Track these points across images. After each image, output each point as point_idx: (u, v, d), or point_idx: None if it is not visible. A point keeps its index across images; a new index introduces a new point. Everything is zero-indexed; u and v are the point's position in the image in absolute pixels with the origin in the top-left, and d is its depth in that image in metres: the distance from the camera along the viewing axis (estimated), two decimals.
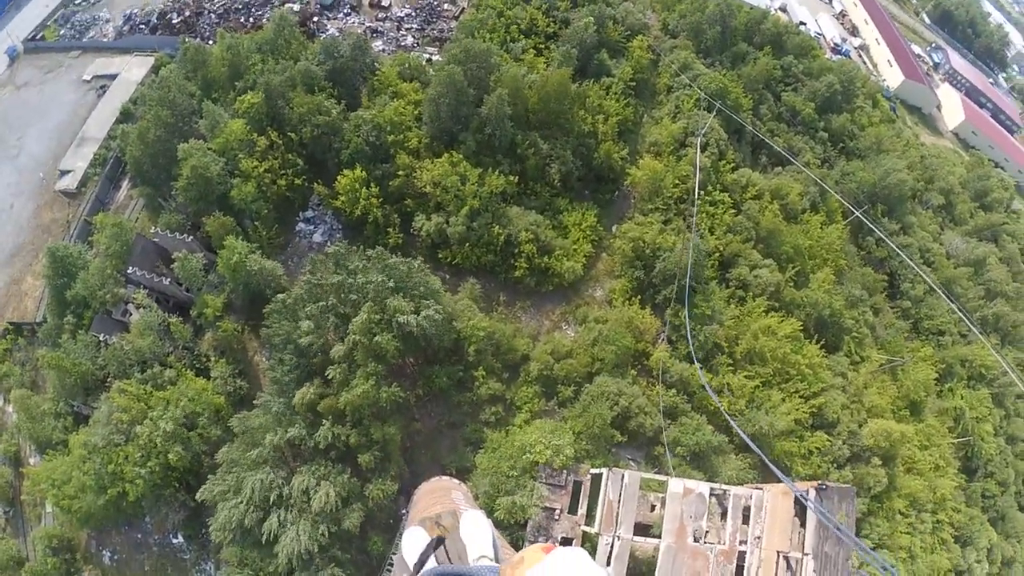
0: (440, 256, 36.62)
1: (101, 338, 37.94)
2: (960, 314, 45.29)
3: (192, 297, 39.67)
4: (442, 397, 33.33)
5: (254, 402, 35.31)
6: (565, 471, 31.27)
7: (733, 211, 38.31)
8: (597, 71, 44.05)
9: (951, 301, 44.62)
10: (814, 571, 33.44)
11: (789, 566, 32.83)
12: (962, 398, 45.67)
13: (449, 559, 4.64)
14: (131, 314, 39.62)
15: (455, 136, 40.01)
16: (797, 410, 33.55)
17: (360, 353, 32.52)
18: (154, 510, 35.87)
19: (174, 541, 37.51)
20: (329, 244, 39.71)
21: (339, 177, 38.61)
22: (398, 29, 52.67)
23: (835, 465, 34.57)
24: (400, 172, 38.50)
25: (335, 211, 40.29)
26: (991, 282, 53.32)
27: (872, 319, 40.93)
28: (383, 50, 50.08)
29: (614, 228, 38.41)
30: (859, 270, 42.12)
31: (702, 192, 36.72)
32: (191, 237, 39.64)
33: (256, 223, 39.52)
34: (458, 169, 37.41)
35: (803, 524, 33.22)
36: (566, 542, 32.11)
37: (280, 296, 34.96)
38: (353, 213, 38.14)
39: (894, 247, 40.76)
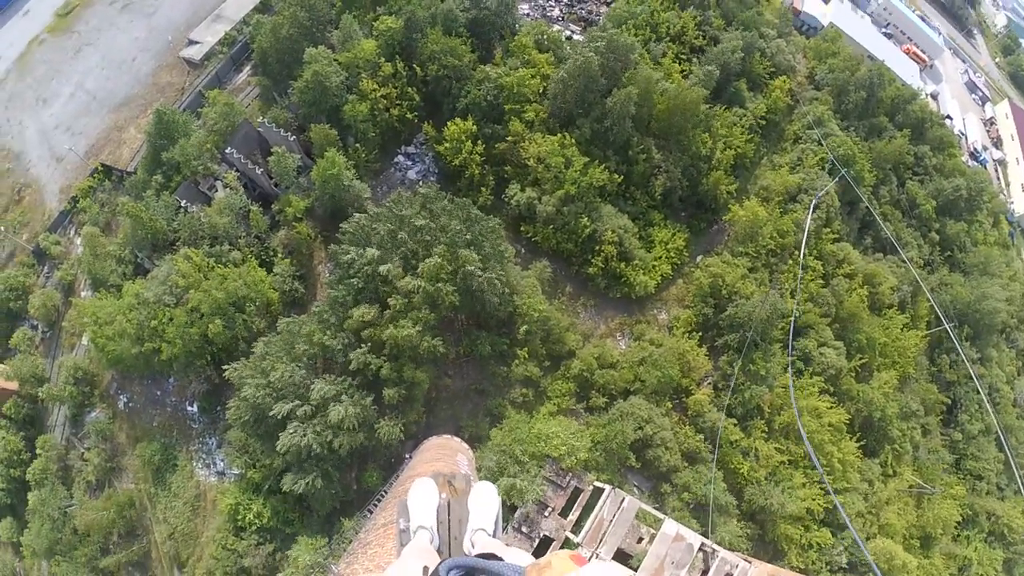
0: (522, 230, 36.47)
1: (183, 203, 39.36)
2: (1009, 463, 43.11)
3: (278, 192, 40.77)
4: (479, 363, 33.53)
5: (313, 309, 36.02)
6: (571, 474, 31.29)
7: (821, 282, 36.86)
8: (731, 98, 42.53)
9: (1006, 448, 42.42)
10: None
11: None
12: (976, 550, 43.63)
13: (449, 520, 4.65)
14: (217, 190, 40.85)
15: (572, 118, 39.42)
16: (813, 500, 32.63)
17: (420, 297, 32.72)
18: (181, 374, 37.51)
19: (188, 408, 39.12)
20: (421, 184, 39.98)
21: (449, 123, 38.68)
22: (540, 6, 51.67)
23: (829, 568, 33.64)
24: (509, 138, 38.25)
25: (436, 155, 40.44)
26: None
27: (919, 438, 39.20)
28: (528, 15, 49.35)
29: (699, 258, 37.50)
30: (924, 384, 40.24)
31: (798, 252, 35.38)
32: (294, 137, 40.53)
33: (359, 143, 40.14)
34: (566, 152, 36.94)
35: None
36: (547, 541, 32.44)
37: (358, 216, 35.40)
38: (452, 162, 38.21)
39: (971, 372, 38.72)
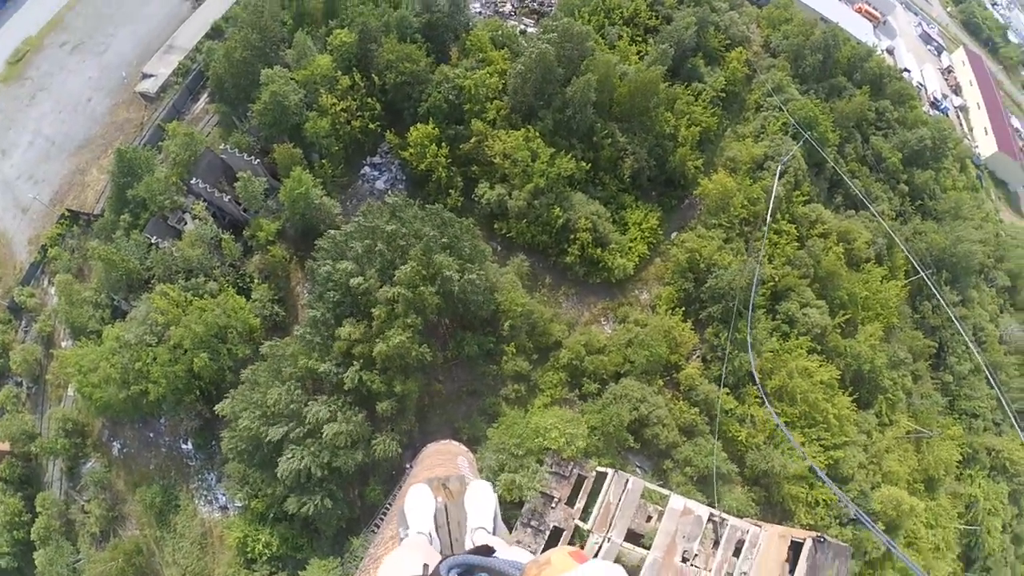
0: (495, 227, 36.54)
1: (153, 240, 39.07)
2: (1001, 401, 43.80)
3: (248, 218, 40.54)
4: (468, 364, 33.53)
5: (294, 331, 35.90)
6: (572, 463, 31.36)
7: (796, 244, 37.29)
8: (689, 75, 42.87)
9: (995, 385, 43.10)
10: None
11: None
12: (980, 487, 44.35)
13: (448, 524, 4.68)
14: (186, 223, 40.65)
15: (534, 111, 39.54)
16: (814, 457, 32.95)
17: (402, 305, 32.74)
18: (171, 413, 37.33)
19: (183, 447, 38.75)
20: (390, 193, 39.89)
21: (412, 129, 38.64)
22: None
23: (838, 522, 34.04)
24: (473, 138, 38.33)
25: (402, 162, 40.40)
26: None
27: (910, 385, 39.77)
28: (480, 13, 49.43)
29: (673, 235, 37.77)
30: (909, 333, 40.84)
31: (770, 218, 35.74)
32: (258, 160, 40.34)
33: (324, 159, 40.08)
34: (531, 145, 37.09)
35: (792, 571, 32.94)
36: (557, 532, 32.48)
37: (331, 232, 35.32)
38: (419, 167, 38.25)
39: (952, 316, 39.34)
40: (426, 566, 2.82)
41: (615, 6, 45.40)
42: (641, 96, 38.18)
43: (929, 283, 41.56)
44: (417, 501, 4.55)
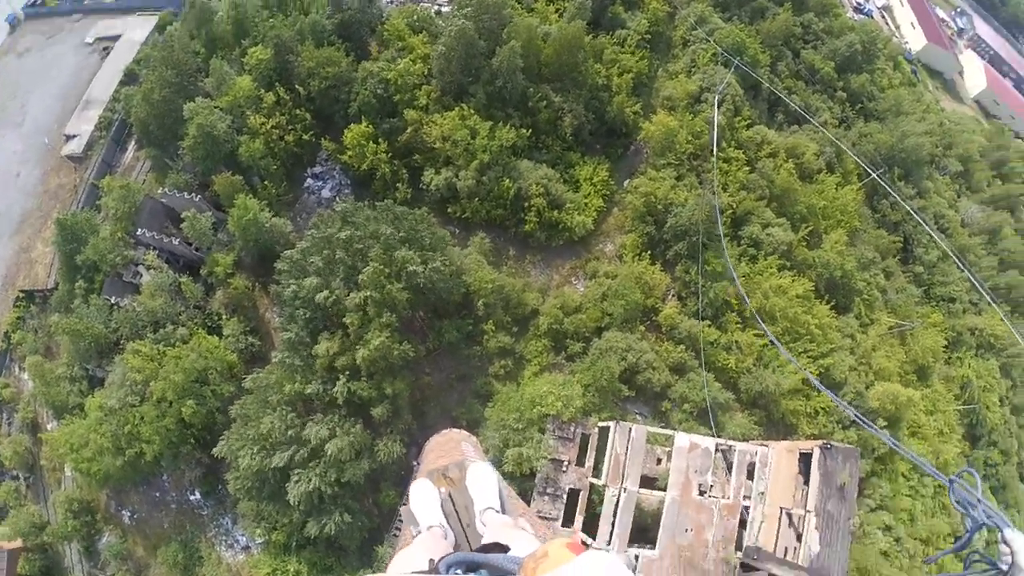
0: (449, 211, 36.24)
1: (113, 301, 38.29)
2: (973, 282, 44.80)
3: (202, 256, 39.76)
4: (452, 351, 33.34)
5: (272, 358, 35.44)
6: (573, 424, 31.43)
7: (747, 168, 37.57)
8: (611, 23, 42.74)
9: (964, 268, 44.07)
10: (816, 528, 33.87)
11: (792, 522, 33.25)
12: (970, 367, 45.50)
13: (456, 511, 4.71)
14: (142, 276, 39.80)
15: (465, 89, 39.15)
16: (805, 369, 33.45)
17: (373, 307, 32.44)
18: (171, 468, 36.94)
19: (191, 498, 38.28)
20: (338, 200, 39.40)
21: (346, 131, 38.09)
22: None
23: (840, 426, 34.66)
24: (409, 127, 37.90)
25: (343, 166, 39.81)
26: (1005, 252, 52.63)
27: (883, 282, 40.50)
28: (391, 2, 48.72)
29: (626, 183, 37.79)
30: (873, 232, 41.51)
31: (716, 149, 35.91)
32: (199, 196, 39.55)
33: (265, 180, 39.34)
34: (468, 123, 36.77)
35: (807, 482, 33.57)
36: (574, 493, 32.63)
37: (288, 252, 34.83)
38: (361, 168, 37.78)
39: (910, 209, 40.06)
40: (431, 560, 2.86)
41: None
42: (567, 53, 37.99)
43: (882, 182, 42.24)
44: (421, 497, 4.60)
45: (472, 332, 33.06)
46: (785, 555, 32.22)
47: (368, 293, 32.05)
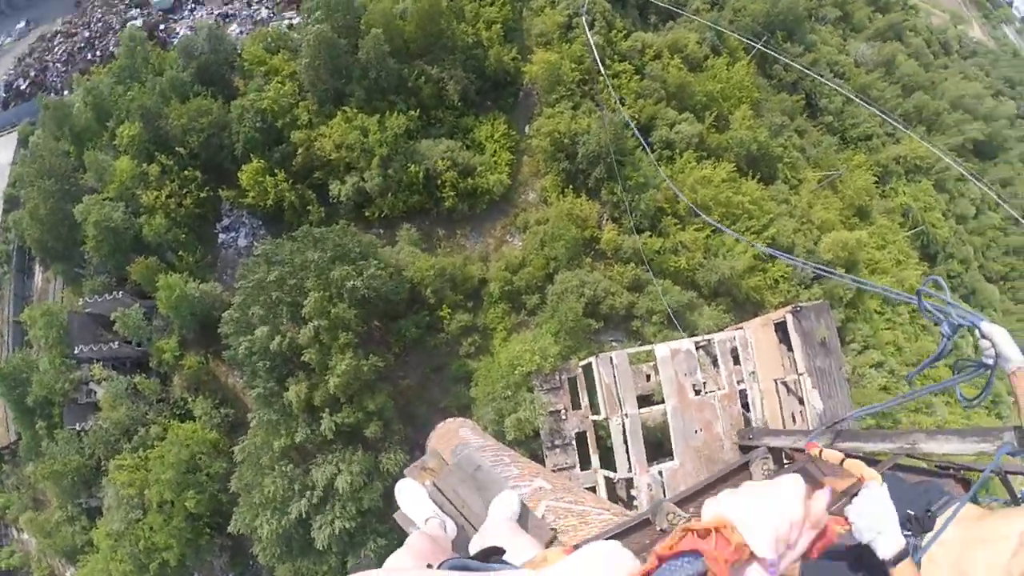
0: (367, 214, 35.49)
1: (78, 428, 36.97)
2: (882, 116, 46.11)
3: (145, 350, 38.35)
4: (418, 348, 32.92)
5: (250, 421, 34.60)
6: (557, 372, 31.42)
7: (637, 77, 37.61)
8: None
9: (870, 105, 45.29)
10: (813, 386, 34.84)
11: (789, 389, 34.11)
12: (904, 193, 47.13)
13: (448, 498, 4.61)
14: (96, 392, 38.34)
15: (342, 92, 38.18)
16: (752, 245, 34.07)
17: (326, 334, 31.80)
18: (199, 564, 35.93)
19: None
20: (256, 244, 38.15)
21: (239, 174, 36.89)
22: (249, 6, 49.35)
23: (802, 287, 35.49)
24: (299, 148, 36.86)
25: (249, 209, 38.63)
26: (905, 77, 54.40)
27: (799, 141, 41.38)
28: (240, 32, 47.04)
29: (527, 129, 37.47)
30: (775, 99, 42.23)
31: (601, 69, 35.82)
32: (121, 292, 38.01)
33: (178, 252, 38.07)
34: (356, 123, 35.92)
35: (790, 348, 34.41)
36: (581, 436, 32.80)
37: (227, 313, 33.87)
38: (267, 205, 36.74)
39: (802, 67, 40.77)
40: (429, 566, 2.83)
41: None
42: (430, 23, 37.26)
43: (768, 50, 42.85)
44: (407, 496, 4.54)
45: (430, 322, 32.62)
46: (793, 421, 33.11)
47: (317, 323, 31.42)
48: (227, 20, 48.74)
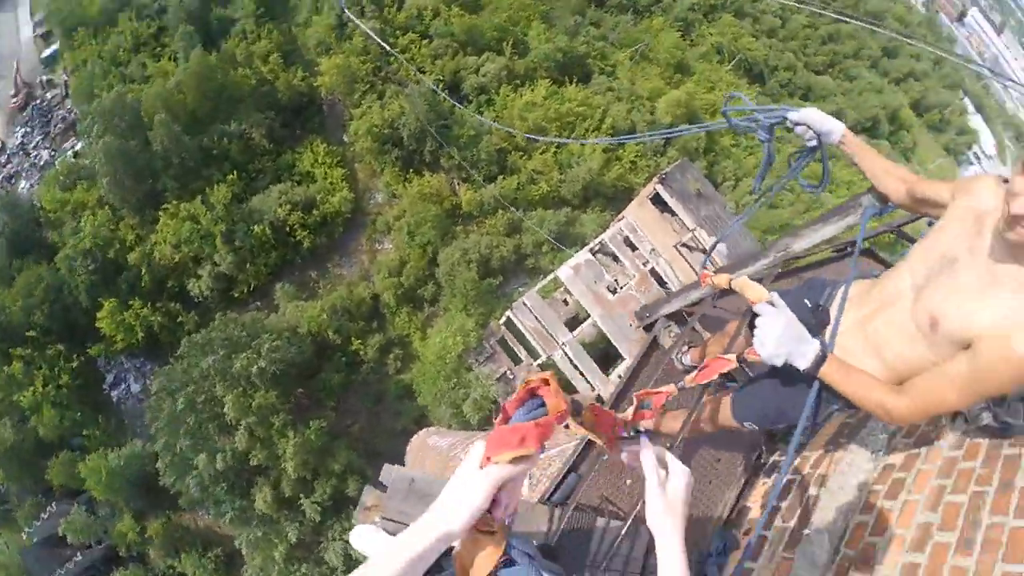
0: (238, 295, 34.09)
1: None
2: None
3: (108, 543, 36.07)
4: (349, 389, 32.24)
5: (240, 547, 33.13)
6: (484, 341, 31.53)
7: (426, 41, 37.40)
8: (223, 29, 40.46)
9: None
10: (710, 235, 36.73)
11: (691, 248, 35.78)
12: (712, 34, 49.44)
13: (397, 522, 4.53)
14: None
15: (154, 192, 36.12)
16: (597, 139, 35.02)
17: (259, 428, 30.64)
18: None
19: None
20: (148, 382, 36.08)
21: (98, 323, 34.62)
22: (28, 155, 45.47)
23: (659, 156, 36.89)
24: (140, 265, 34.79)
25: (125, 352, 36.34)
26: None
27: (597, 31, 42.40)
28: (31, 185, 43.43)
29: (345, 137, 36.71)
30: (559, 3, 43.03)
31: (390, 48, 35.32)
32: (54, 503, 35.63)
33: (82, 433, 35.56)
34: (181, 216, 34.23)
35: (674, 214, 35.99)
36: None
37: (159, 464, 32.23)
38: (138, 340, 34.68)
39: None
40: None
41: (115, 49, 41.40)
42: (207, 83, 35.72)
43: None
44: (363, 542, 4.45)
45: (348, 360, 31.95)
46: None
47: (245, 422, 30.26)
48: (12, 181, 44.87)
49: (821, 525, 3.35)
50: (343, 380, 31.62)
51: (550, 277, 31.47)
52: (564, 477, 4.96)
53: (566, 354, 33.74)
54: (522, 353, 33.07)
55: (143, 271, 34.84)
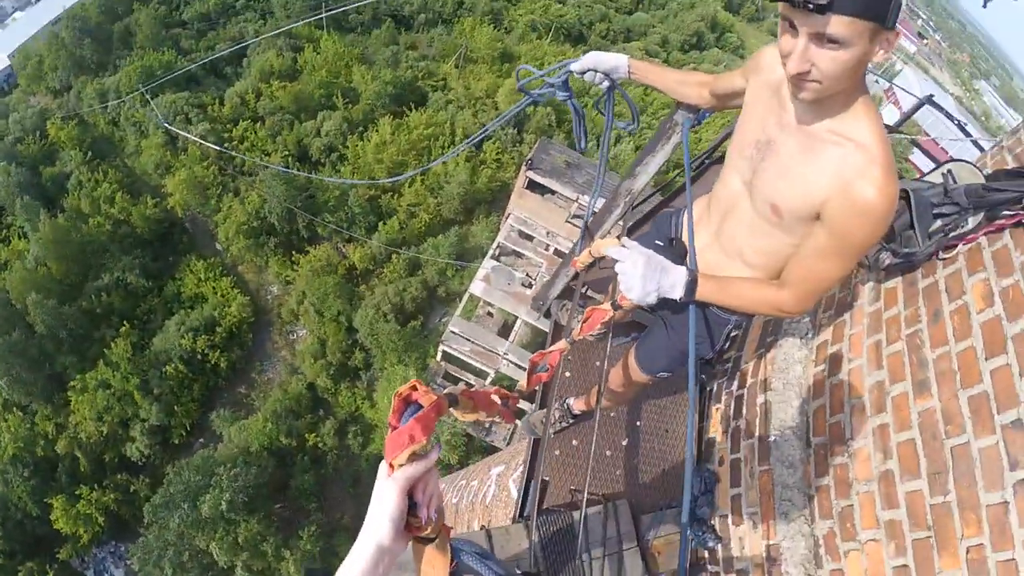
0: (177, 441, 33.25)
1: None
2: None
3: None
4: (323, 484, 31.96)
5: None
6: (430, 384, 32.05)
7: (260, 124, 37.42)
8: (55, 187, 38.95)
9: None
10: (597, 197, 38.54)
11: (582, 217, 37.36)
12: (520, 16, 50.40)
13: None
14: None
15: (55, 375, 34.62)
16: (461, 159, 35.94)
17: (255, 560, 29.97)
18: None
19: None
20: (128, 563, 34.36)
21: (55, 526, 32.69)
22: None
23: (517, 144, 38.35)
24: (74, 454, 33.21)
25: (93, 543, 34.40)
26: None
27: (415, 53, 43.24)
28: None
29: (218, 245, 36.16)
30: (372, 40, 43.67)
31: (225, 148, 34.95)
32: None
33: None
34: (90, 387, 33.19)
35: (553, 192, 37.58)
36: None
37: None
38: (100, 526, 33.10)
39: (358, 3, 42.17)
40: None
41: None
42: (66, 247, 34.72)
43: (333, 11, 43.53)
44: None
45: (313, 457, 31.67)
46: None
47: (239, 561, 29.52)
48: None
49: (783, 426, 3.34)
50: (315, 478, 31.33)
51: (466, 297, 32.22)
52: (526, 489, 4.91)
53: (511, 362, 34.79)
54: (470, 378, 33.88)
55: (78, 456, 33.22)
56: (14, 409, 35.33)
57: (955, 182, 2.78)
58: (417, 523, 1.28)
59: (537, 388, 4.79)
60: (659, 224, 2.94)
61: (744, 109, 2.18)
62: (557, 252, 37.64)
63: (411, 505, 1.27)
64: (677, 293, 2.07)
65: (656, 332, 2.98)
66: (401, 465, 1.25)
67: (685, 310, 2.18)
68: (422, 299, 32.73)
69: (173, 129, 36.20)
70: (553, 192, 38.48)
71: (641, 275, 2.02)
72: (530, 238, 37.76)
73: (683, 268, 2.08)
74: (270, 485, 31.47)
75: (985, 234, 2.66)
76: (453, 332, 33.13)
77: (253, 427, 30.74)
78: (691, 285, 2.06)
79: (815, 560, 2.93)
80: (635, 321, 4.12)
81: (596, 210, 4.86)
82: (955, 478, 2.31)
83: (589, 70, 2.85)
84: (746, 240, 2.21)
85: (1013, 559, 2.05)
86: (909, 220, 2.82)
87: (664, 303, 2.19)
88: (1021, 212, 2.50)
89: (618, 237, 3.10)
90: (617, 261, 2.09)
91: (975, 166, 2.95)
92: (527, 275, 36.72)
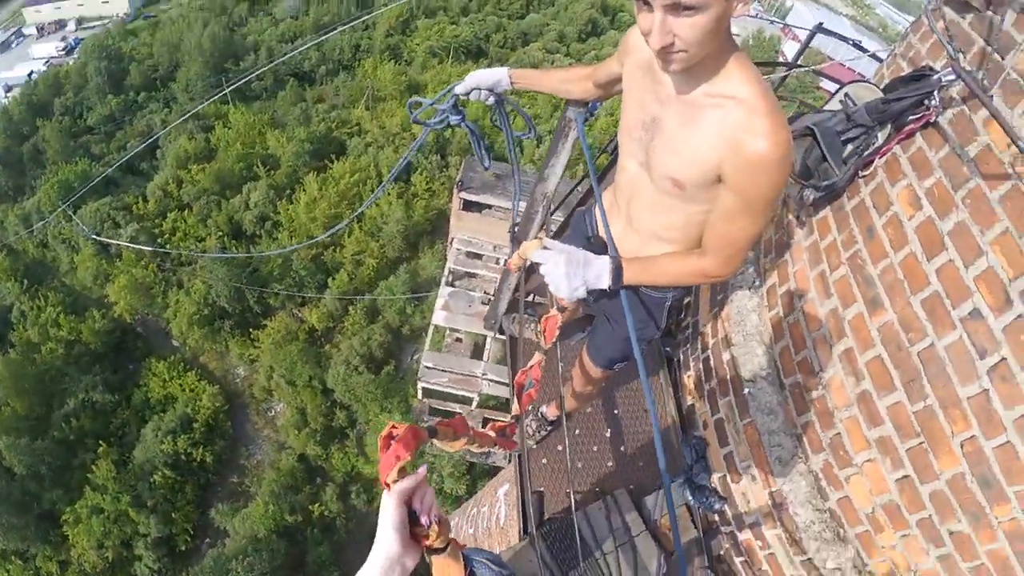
0: (184, 548, 32.46)
1: None
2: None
3: None
4: (342, 546, 31.66)
5: None
6: (417, 423, 32.08)
7: (188, 211, 37.16)
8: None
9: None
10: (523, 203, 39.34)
11: (511, 221, 38.20)
12: (417, 45, 49.95)
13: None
14: None
15: (46, 513, 33.50)
16: (393, 196, 36.28)
17: None
18: None
19: None
20: None
21: None
22: None
23: (443, 169, 38.90)
24: None
25: None
26: None
27: (324, 105, 43.66)
28: None
29: (174, 342, 35.71)
30: (279, 103, 43.80)
31: (158, 245, 34.62)
32: None
33: None
34: (83, 516, 32.30)
35: (490, 206, 38.27)
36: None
37: None
38: None
39: (259, 72, 42.30)
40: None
41: None
42: (23, 381, 33.91)
43: (234, 82, 43.52)
44: None
45: (322, 526, 31.39)
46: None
47: None
48: None
49: (754, 376, 3.34)
50: (330, 547, 31.06)
51: (431, 330, 32.54)
52: (523, 505, 4.78)
53: (491, 381, 35.21)
54: (455, 407, 34.19)
55: None
56: (12, 558, 34.27)
57: (854, 104, 2.78)
58: (422, 531, 1.36)
59: (530, 407, 4.67)
60: (575, 225, 2.98)
61: (625, 93, 2.19)
62: (508, 262, 38.32)
63: (412, 516, 1.37)
64: (604, 282, 2.05)
65: (600, 326, 3.00)
66: (395, 481, 1.37)
67: (617, 295, 2.17)
68: (389, 343, 32.91)
69: (102, 239, 35.72)
70: (489, 207, 39.17)
71: (564, 273, 2.00)
72: (479, 256, 38.35)
73: (605, 257, 2.07)
74: (286, 566, 31.11)
75: (898, 143, 2.69)
76: (427, 367, 33.47)
77: (255, 513, 30.38)
78: (617, 272, 2.06)
79: (820, 494, 2.94)
80: (589, 315, 4.11)
81: (519, 219, 4.91)
82: (929, 381, 2.31)
83: (473, 89, 2.83)
84: (656, 219, 2.23)
85: (1008, 441, 2.04)
86: (821, 154, 2.81)
87: (599, 296, 2.22)
88: (927, 112, 2.52)
89: (537, 238, 3.24)
90: (540, 264, 2.08)
91: (871, 82, 2.95)
92: (485, 293, 37.28)
